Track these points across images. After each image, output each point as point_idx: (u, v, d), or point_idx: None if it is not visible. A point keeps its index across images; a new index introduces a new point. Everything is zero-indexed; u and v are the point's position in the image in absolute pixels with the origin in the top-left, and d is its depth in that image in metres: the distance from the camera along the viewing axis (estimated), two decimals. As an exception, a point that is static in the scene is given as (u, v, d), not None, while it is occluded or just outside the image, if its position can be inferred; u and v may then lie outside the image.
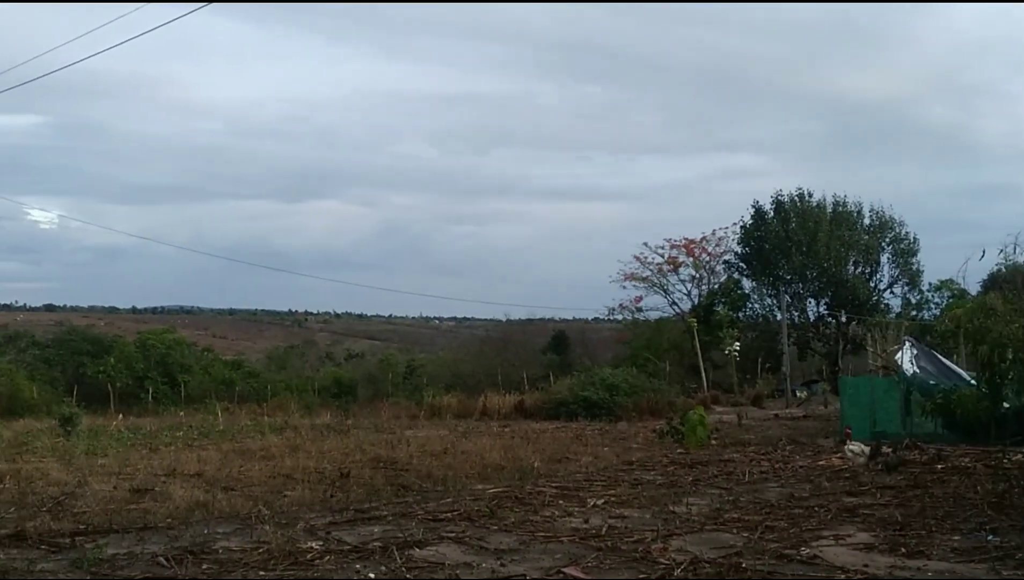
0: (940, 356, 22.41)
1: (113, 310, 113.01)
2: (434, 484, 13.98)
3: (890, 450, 16.38)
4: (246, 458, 17.74)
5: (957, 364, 22.06)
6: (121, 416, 31.51)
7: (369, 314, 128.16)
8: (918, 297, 44.89)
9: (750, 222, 46.09)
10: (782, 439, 20.93)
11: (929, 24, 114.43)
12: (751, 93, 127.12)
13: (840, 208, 45.48)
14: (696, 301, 46.35)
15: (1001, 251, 16.18)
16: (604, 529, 9.65)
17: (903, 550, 8.44)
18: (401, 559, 8.21)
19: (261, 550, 8.60)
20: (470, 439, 21.56)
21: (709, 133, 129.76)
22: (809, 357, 48.18)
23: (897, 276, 45.79)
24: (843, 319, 44.51)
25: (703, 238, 46.14)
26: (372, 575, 7.71)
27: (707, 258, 46.71)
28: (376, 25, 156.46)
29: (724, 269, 47.31)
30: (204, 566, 8.11)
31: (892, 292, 46.02)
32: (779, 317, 43.26)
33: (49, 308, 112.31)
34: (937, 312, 39.95)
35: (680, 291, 47.14)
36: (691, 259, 46.24)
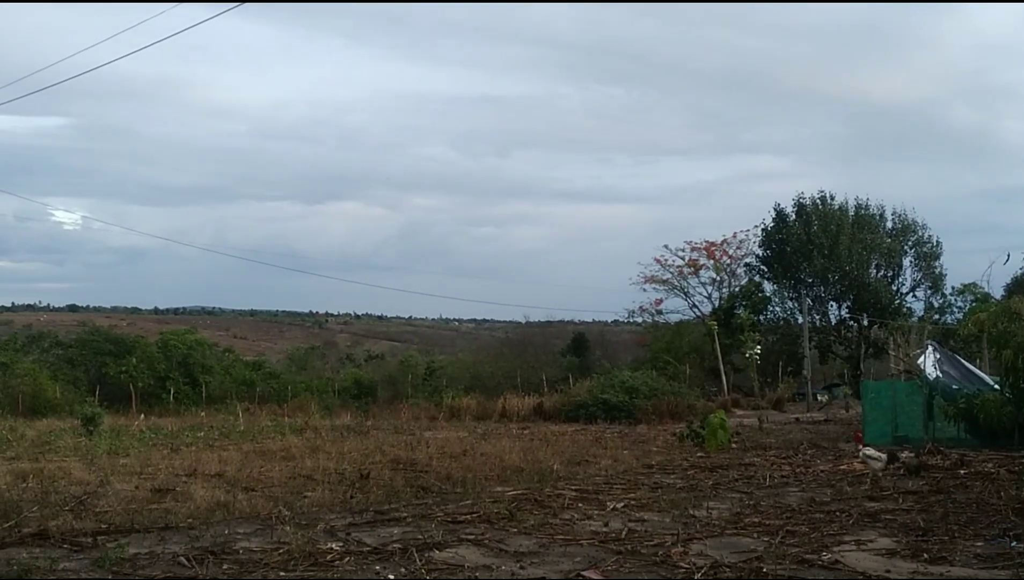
0: (963, 360, 22.23)
1: (135, 311, 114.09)
2: (453, 486, 13.98)
3: (912, 454, 16.24)
4: (266, 459, 17.82)
5: (980, 368, 21.89)
6: (143, 416, 31.75)
7: (389, 315, 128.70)
8: (941, 301, 44.61)
9: (771, 225, 45.92)
10: (803, 443, 20.79)
11: (953, 26, 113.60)
12: (774, 95, 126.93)
13: (862, 211, 45.23)
14: (716, 304, 46.15)
15: (1025, 255, 16.05)
16: (624, 532, 9.62)
17: (925, 556, 8.36)
18: (420, 561, 8.22)
19: (281, 551, 8.63)
20: (489, 441, 21.56)
21: (731, 135, 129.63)
22: (830, 361, 47.91)
23: (920, 279, 45.52)
24: (865, 322, 44.22)
25: (724, 241, 45.99)
26: (392, 576, 7.72)
27: (728, 261, 46.55)
28: (399, 27, 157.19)
29: (745, 272, 47.20)
30: (224, 566, 8.15)
31: (914, 295, 45.80)
32: (800, 320, 43.04)
33: (72, 308, 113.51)
34: (960, 316, 39.59)
35: (700, 294, 47.00)
36: (712, 262, 46.05)
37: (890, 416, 20.89)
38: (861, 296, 44.06)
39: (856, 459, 15.77)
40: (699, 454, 18.85)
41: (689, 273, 46.30)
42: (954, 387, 19.66)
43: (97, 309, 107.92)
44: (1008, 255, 18.93)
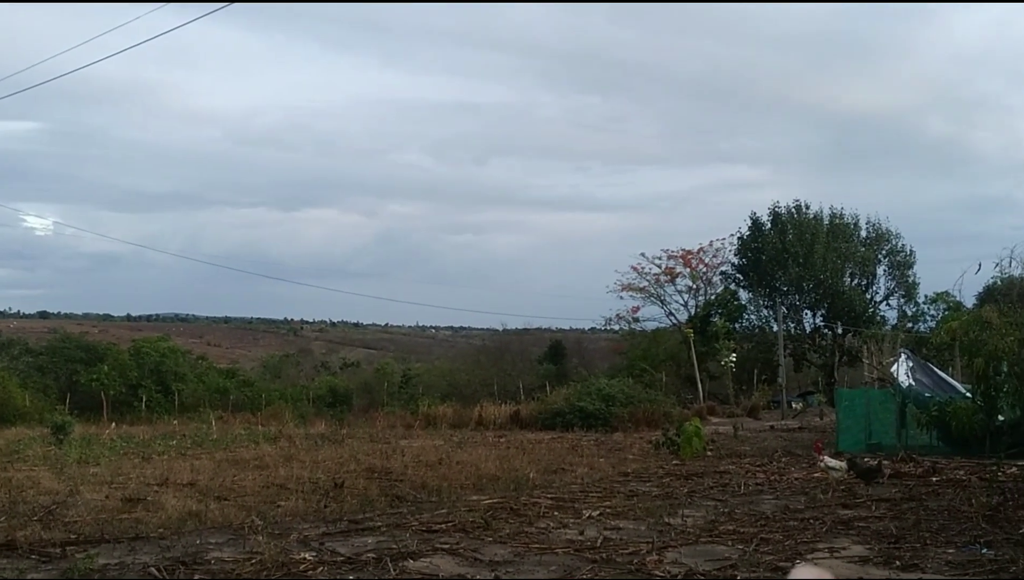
0: (935, 368, 22.44)
1: (107, 318, 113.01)
2: (428, 495, 13.92)
3: (869, 460, 16.32)
4: (240, 467, 17.67)
5: (952, 377, 22.10)
6: (114, 424, 31.41)
7: (365, 323, 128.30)
8: (914, 309, 45.04)
9: (747, 233, 46.25)
10: (777, 451, 20.90)
11: (928, 37, 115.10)
12: (750, 105, 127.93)
13: (837, 220, 45.65)
14: (693, 312, 46.37)
15: (997, 264, 16.27)
16: (599, 541, 9.61)
17: (898, 563, 8.41)
18: (395, 570, 8.17)
19: (254, 561, 8.54)
20: (465, 449, 21.50)
21: (707, 144, 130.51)
22: (805, 368, 48.24)
23: (893, 288, 45.97)
24: (839, 331, 44.58)
25: (700, 249, 46.24)
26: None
27: (704, 269, 46.79)
28: (377, 33, 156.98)
29: (721, 280, 47.47)
30: (196, 576, 8.06)
31: (888, 304, 46.22)
32: (775, 328, 43.29)
33: (43, 315, 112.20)
34: (933, 324, 40.03)
35: (677, 302, 47.20)
36: (688, 270, 46.27)
37: (864, 424, 21.05)
38: (835, 304, 44.44)
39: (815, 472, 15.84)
40: (675, 462, 18.90)
41: (666, 281, 46.52)
42: (927, 395, 19.84)
43: (68, 316, 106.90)
44: (980, 265, 19.04)
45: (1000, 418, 16.57)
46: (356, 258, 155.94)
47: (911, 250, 46.00)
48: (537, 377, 42.52)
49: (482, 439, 25.85)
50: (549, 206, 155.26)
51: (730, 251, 46.56)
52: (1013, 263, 16.18)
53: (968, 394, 17.77)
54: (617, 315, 47.66)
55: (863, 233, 46.11)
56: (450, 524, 10.76)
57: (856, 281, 45.67)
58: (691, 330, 42.21)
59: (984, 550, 8.97)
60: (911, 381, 20.66)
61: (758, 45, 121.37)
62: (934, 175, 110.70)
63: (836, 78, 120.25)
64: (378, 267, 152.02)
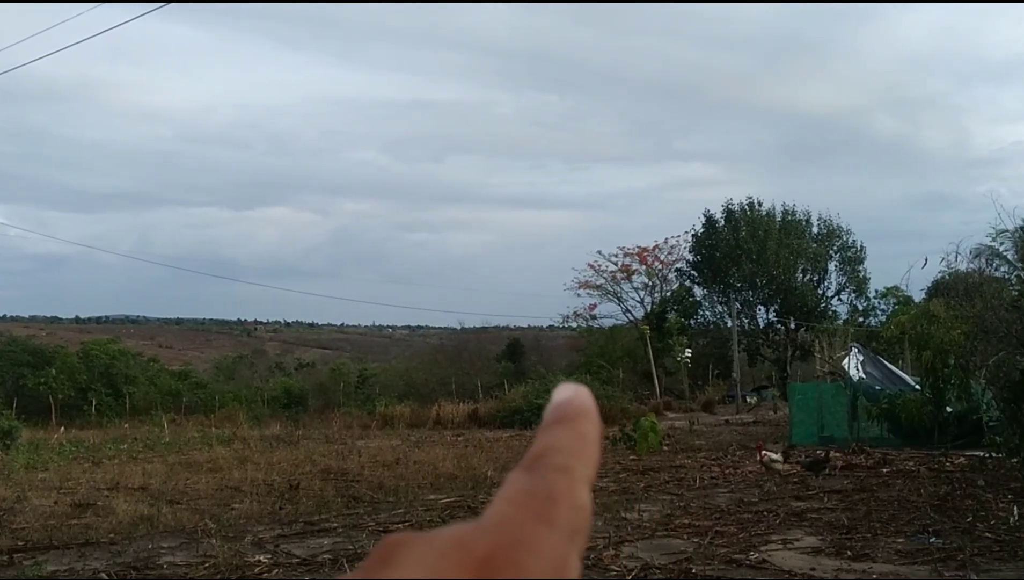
0: (886, 362, 22.82)
1: (55, 320, 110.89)
2: (385, 495, 13.84)
3: (821, 453, 16.49)
4: (193, 471, 17.42)
5: (902, 369, 22.50)
6: (63, 429, 30.80)
7: (320, 323, 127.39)
8: (864, 304, 45.79)
9: (701, 231, 46.66)
10: (732, 444, 21.12)
11: (874, 37, 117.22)
12: (705, 104, 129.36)
13: (789, 217, 46.26)
14: (649, 309, 46.70)
15: (943, 259, 16.60)
16: (556, 537, 9.61)
17: (849, 553, 8.55)
18: (351, 572, 8.09)
19: (207, 564, 8.43)
20: (423, 449, 21.42)
21: (663, 143, 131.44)
22: (759, 363, 48.83)
23: (844, 283, 46.69)
24: (792, 326, 45.22)
25: (656, 246, 46.58)
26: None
27: (660, 266, 47.16)
28: (329, 31, 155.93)
29: (676, 277, 47.84)
30: (147, 582, 7.93)
31: (839, 299, 46.94)
32: (729, 324, 43.77)
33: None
34: (883, 319, 40.72)
35: (633, 299, 47.50)
36: (644, 267, 46.60)
37: (816, 417, 21.34)
38: (788, 300, 45.05)
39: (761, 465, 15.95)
40: (631, 457, 19.00)
41: (622, 278, 46.80)
42: (877, 388, 20.17)
43: (14, 318, 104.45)
44: (926, 260, 19.43)
45: (948, 410, 16.90)
46: (310, 257, 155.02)
47: (862, 246, 46.83)
48: (495, 375, 42.51)
49: (440, 438, 25.78)
50: (506, 204, 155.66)
51: (685, 248, 47.03)
52: (959, 258, 16.54)
53: (917, 387, 18.11)
54: (575, 313, 47.90)
55: (815, 229, 46.81)
56: (407, 524, 10.71)
57: (808, 277, 46.33)
58: (647, 327, 42.50)
59: (932, 539, 9.16)
60: (862, 374, 20.99)
61: (712, 46, 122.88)
62: (884, 172, 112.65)
63: (787, 78, 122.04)
64: (333, 266, 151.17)
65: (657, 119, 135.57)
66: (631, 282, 47.04)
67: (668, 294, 47.22)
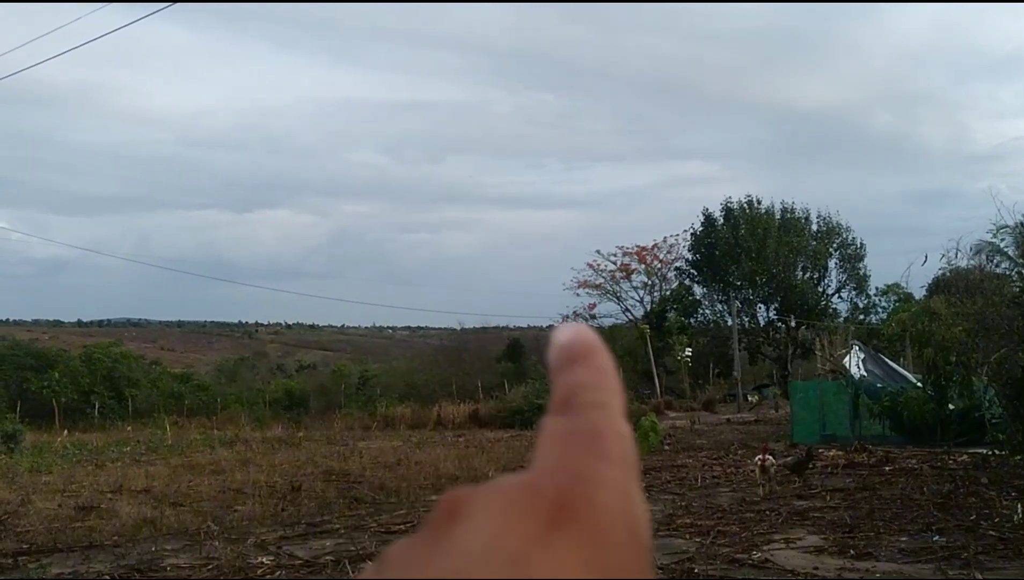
0: (887, 359, 22.80)
1: (58, 323, 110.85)
2: (387, 496, 13.85)
3: (802, 453, 16.35)
4: (195, 473, 17.43)
5: (903, 367, 22.47)
6: (66, 432, 30.76)
7: (321, 324, 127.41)
8: (865, 301, 45.72)
9: (700, 229, 46.66)
10: (734, 443, 21.11)
11: (872, 33, 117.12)
12: (702, 102, 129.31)
13: (788, 214, 46.26)
14: (648, 308, 46.70)
15: (943, 256, 16.59)
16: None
17: (852, 552, 8.55)
18: (353, 573, 8.11)
19: (210, 567, 8.44)
20: (424, 450, 21.42)
21: (661, 141, 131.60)
22: (760, 362, 48.83)
23: (844, 281, 46.68)
24: (792, 324, 45.19)
25: (655, 245, 46.56)
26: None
27: (659, 265, 47.14)
28: (326, 32, 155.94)
29: (675, 276, 47.84)
30: (151, 585, 7.94)
31: (840, 297, 46.94)
32: (730, 322, 43.77)
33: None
34: (884, 316, 40.61)
35: (633, 298, 47.51)
36: (643, 266, 46.59)
37: (818, 415, 21.33)
38: (788, 298, 45.04)
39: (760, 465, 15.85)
40: (633, 457, 18.98)
41: (621, 277, 46.80)
42: (879, 386, 20.16)
43: (17, 322, 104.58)
44: (926, 256, 19.42)
45: (950, 407, 16.90)
46: (310, 258, 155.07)
47: (861, 243, 46.83)
48: (495, 376, 42.49)
49: (441, 439, 25.79)
50: (505, 204, 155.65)
51: (684, 247, 47.03)
52: (959, 254, 16.52)
53: (919, 384, 18.11)
54: (574, 312, 47.81)
55: (814, 227, 46.81)
56: (409, 525, 10.72)
57: (808, 274, 46.32)
58: (647, 326, 42.51)
59: (936, 537, 9.15)
60: (863, 372, 20.99)
61: (709, 43, 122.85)
62: (882, 169, 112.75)
63: (785, 75, 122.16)
64: (333, 267, 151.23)
65: (655, 117, 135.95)
66: (630, 281, 47.09)
67: (668, 293, 47.22)
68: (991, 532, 9.26)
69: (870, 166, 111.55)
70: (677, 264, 47.46)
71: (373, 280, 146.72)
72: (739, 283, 45.77)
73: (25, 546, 9.92)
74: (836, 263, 46.87)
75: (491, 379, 41.38)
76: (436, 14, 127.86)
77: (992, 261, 16.73)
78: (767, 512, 11.09)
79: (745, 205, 46.16)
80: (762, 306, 47.31)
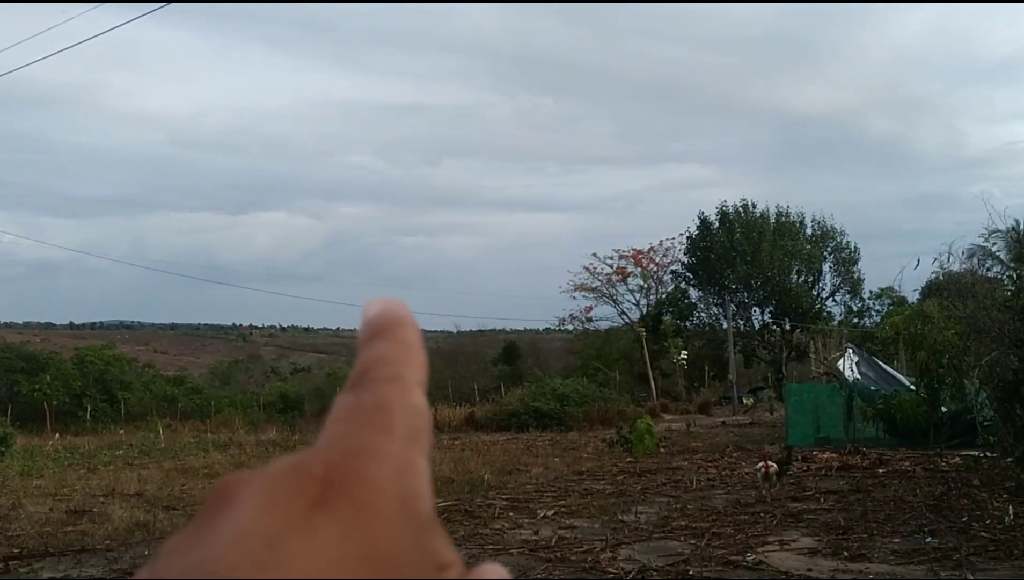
0: (880, 362, 22.86)
1: (49, 326, 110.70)
2: (382, 498, 13.81)
3: (783, 455, 16.36)
4: (189, 476, 17.39)
5: (897, 370, 22.52)
6: (58, 435, 30.69)
7: (316, 327, 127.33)
8: (859, 305, 45.82)
9: (696, 232, 46.72)
10: (729, 446, 21.13)
11: (869, 38, 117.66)
12: (699, 106, 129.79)
13: (783, 218, 46.34)
14: (644, 311, 46.74)
15: (936, 260, 16.65)
16: (554, 540, 9.63)
17: (845, 554, 8.57)
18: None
19: (203, 570, 8.41)
20: (419, 452, 21.37)
21: (658, 145, 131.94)
22: (755, 364, 48.88)
23: (839, 284, 46.78)
24: (787, 327, 45.25)
25: (651, 248, 46.59)
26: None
27: (655, 268, 47.16)
28: (322, 35, 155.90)
29: (671, 279, 47.86)
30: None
31: (834, 300, 47.01)
32: (725, 325, 43.83)
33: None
34: (878, 319, 40.75)
35: (629, 301, 47.51)
36: (639, 269, 46.64)
37: (812, 418, 21.36)
38: (783, 301, 45.11)
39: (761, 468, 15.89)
40: (628, 459, 19.01)
41: (617, 281, 46.81)
42: (872, 388, 20.20)
43: (8, 325, 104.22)
44: (919, 260, 19.50)
45: (943, 409, 16.95)
46: (306, 261, 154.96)
47: (856, 247, 46.91)
48: (492, 378, 42.52)
49: (436, 442, 25.72)
50: (502, 207, 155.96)
51: (680, 250, 47.07)
52: (952, 258, 16.58)
53: (912, 387, 18.14)
54: (571, 315, 47.88)
55: (809, 231, 46.91)
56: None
57: (803, 278, 46.42)
58: (643, 329, 42.55)
59: (928, 539, 9.18)
60: (857, 375, 21.03)
61: (706, 48, 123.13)
62: (877, 173, 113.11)
63: (781, 79, 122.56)
64: (329, 270, 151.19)
65: (652, 121, 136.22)
66: (626, 284, 47.09)
67: (663, 296, 47.26)
68: (983, 533, 9.28)
69: (865, 170, 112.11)
70: (673, 267, 47.56)
71: (369, 283, 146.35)
72: (734, 286, 45.84)
73: (16, 550, 9.88)
74: (830, 267, 47.00)
75: (487, 382, 41.39)
76: (434, 17, 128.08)
77: (984, 265, 16.80)
78: (762, 514, 11.10)
79: (740, 209, 46.26)
80: (757, 309, 47.40)
